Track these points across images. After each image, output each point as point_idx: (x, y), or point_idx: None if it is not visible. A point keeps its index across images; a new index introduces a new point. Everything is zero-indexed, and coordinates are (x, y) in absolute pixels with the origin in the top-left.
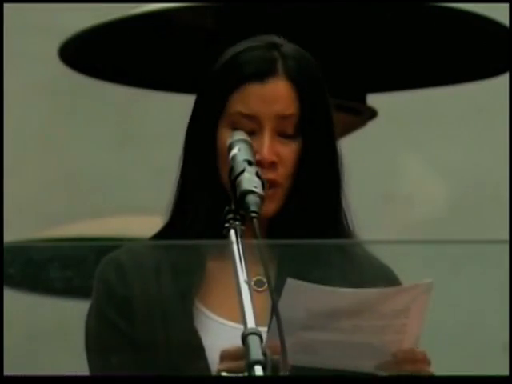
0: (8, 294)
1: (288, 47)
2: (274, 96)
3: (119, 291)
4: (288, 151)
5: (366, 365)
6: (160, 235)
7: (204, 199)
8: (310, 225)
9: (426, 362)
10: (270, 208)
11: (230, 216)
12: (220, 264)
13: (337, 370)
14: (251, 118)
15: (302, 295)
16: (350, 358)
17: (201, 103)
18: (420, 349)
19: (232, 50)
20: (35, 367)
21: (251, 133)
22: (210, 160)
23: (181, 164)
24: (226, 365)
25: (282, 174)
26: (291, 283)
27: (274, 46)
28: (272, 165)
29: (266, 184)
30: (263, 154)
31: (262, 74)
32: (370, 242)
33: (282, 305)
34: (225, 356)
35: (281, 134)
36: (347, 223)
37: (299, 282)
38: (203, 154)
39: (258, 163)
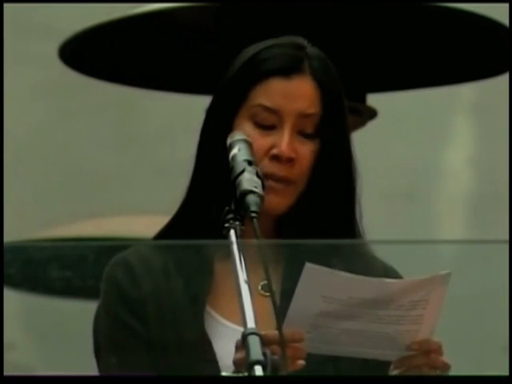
0: (8, 294)
1: (312, 49)
2: (299, 93)
3: (130, 292)
4: (305, 150)
5: (382, 354)
6: (166, 232)
7: (216, 193)
8: (319, 227)
9: (440, 352)
10: (280, 203)
11: (230, 216)
12: (227, 266)
13: (351, 360)
14: (273, 111)
15: (320, 281)
16: (366, 347)
17: (220, 97)
18: (435, 339)
19: (254, 48)
20: (35, 367)
21: (271, 127)
22: (224, 154)
23: (195, 160)
24: (242, 354)
25: (297, 172)
26: (310, 268)
27: (299, 46)
28: (290, 161)
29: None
30: (283, 149)
31: (288, 69)
32: (370, 242)
33: (299, 290)
34: (241, 346)
35: (300, 133)
36: (358, 230)
37: (318, 267)
38: (219, 147)
39: (275, 157)
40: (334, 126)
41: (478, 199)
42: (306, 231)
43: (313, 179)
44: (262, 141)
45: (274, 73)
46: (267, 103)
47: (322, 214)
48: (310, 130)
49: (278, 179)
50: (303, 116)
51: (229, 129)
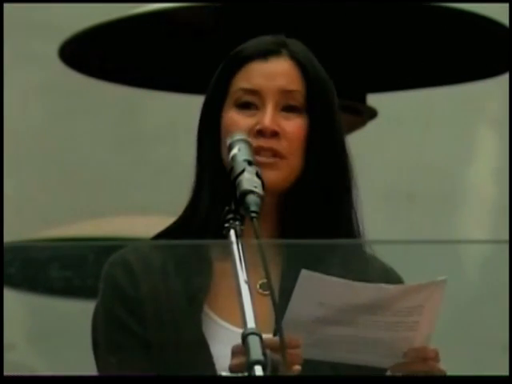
0: (8, 294)
1: (292, 40)
2: (277, 71)
3: (128, 291)
4: (292, 125)
5: (377, 360)
6: (170, 229)
7: (211, 187)
8: (321, 203)
9: (437, 359)
10: (274, 177)
11: (230, 216)
12: (225, 266)
13: (348, 365)
14: (254, 92)
15: (316, 287)
16: (362, 353)
17: (208, 94)
18: (432, 346)
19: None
20: (35, 367)
21: (254, 108)
22: (217, 143)
23: (195, 154)
24: (238, 360)
25: (285, 146)
26: (306, 274)
27: (279, 37)
28: (274, 134)
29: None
30: (265, 123)
31: (266, 53)
32: (370, 242)
33: (295, 297)
34: (236, 351)
35: (284, 109)
36: (356, 219)
37: (314, 274)
38: (212, 139)
39: (260, 133)
40: (321, 102)
41: (480, 199)
42: (307, 207)
43: (307, 157)
44: (247, 121)
45: (251, 57)
46: (247, 85)
47: (319, 192)
48: (294, 103)
49: (265, 152)
50: (284, 92)
51: (218, 122)
